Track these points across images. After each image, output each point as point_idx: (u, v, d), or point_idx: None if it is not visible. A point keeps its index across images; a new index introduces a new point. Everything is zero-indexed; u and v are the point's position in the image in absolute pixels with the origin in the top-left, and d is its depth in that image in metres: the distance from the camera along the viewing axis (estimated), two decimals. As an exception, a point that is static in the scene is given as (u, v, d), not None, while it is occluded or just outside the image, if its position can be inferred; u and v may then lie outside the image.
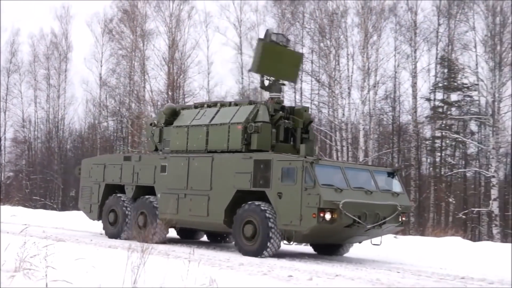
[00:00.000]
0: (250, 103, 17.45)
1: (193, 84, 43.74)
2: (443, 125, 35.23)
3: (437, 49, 36.14)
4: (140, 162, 18.96)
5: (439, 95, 37.06)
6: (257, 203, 15.46)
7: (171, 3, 43.30)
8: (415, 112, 35.99)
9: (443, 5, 35.38)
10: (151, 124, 19.68)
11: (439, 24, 35.70)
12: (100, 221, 20.15)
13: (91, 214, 20.48)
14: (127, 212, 18.84)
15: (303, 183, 14.66)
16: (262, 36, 18.26)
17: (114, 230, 19.17)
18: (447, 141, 36.47)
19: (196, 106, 18.84)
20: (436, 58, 36.37)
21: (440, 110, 36.55)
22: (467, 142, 35.34)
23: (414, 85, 36.07)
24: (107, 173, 19.87)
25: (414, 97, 36.20)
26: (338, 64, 36.33)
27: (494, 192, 30.60)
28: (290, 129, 17.32)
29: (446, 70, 36.36)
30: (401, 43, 36.58)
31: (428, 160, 38.04)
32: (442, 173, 35.95)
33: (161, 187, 18.06)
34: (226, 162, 16.54)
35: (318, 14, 37.44)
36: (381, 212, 15.13)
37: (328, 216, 14.28)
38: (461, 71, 34.32)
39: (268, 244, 15.14)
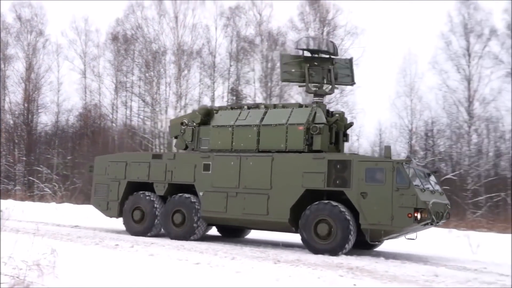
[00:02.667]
0: (300, 106, 13.73)
1: (46, 98, 40.72)
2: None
3: (229, 83, 37.09)
4: (175, 161, 14.22)
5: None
6: (334, 203, 11.95)
7: (29, 35, 40.53)
8: (213, 126, 36.62)
9: (233, 52, 36.45)
10: (182, 124, 14.89)
11: (230, 65, 36.72)
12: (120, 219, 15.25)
13: (108, 212, 15.23)
14: (156, 210, 14.41)
15: (393, 184, 11.39)
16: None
17: (141, 228, 14.50)
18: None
19: (232, 107, 14.56)
20: (228, 88, 37.29)
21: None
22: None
23: (212, 107, 36.74)
24: (130, 170, 14.86)
25: (212, 115, 36.79)
26: (159, 89, 36.01)
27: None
28: (336, 132, 13.81)
29: (234, 98, 37.34)
30: (204, 77, 37.07)
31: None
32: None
33: (203, 185, 13.65)
34: (291, 162, 12.62)
35: (145, 52, 36.92)
36: (442, 210, 12.35)
37: (419, 215, 11.22)
38: (244, 99, 35.51)
39: (347, 245, 11.78)
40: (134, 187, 15.00)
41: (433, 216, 11.54)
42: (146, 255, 10.29)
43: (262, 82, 33.83)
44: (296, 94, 33.46)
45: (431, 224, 11.94)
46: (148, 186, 14.81)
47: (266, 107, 13.93)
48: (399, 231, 11.70)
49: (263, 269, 9.14)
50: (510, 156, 28.82)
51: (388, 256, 12.19)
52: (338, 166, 12.02)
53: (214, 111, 14.55)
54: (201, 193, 13.69)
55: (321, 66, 14.50)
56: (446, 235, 16.99)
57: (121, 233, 14.95)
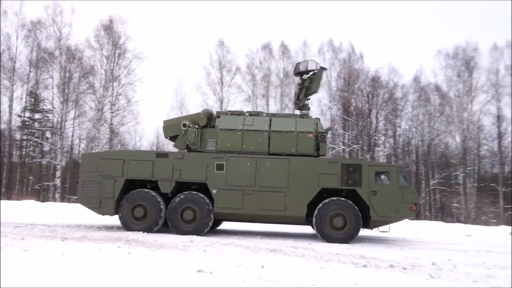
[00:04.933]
0: (297, 116, 12.29)
1: None
2: (28, 132, 31.66)
3: (28, 86, 32.35)
4: (184, 160, 11.46)
5: (28, 114, 33.20)
6: (350, 201, 11.10)
7: None
8: (11, 123, 31.42)
9: (33, 60, 31.89)
10: (183, 125, 12.07)
11: (30, 71, 32.08)
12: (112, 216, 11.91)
13: (101, 209, 11.47)
14: (161, 207, 11.36)
15: (398, 184, 11.04)
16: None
17: (143, 225, 11.31)
18: (31, 142, 32.94)
19: (232, 113, 12.22)
20: (27, 91, 32.51)
21: (27, 123, 32.76)
22: (43, 143, 32.52)
23: (10, 107, 31.44)
24: (129, 168, 11.48)
25: (10, 114, 31.48)
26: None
27: (58, 174, 28.86)
28: None
29: (33, 99, 32.79)
30: (3, 79, 31.50)
31: (17, 152, 33.54)
32: (26, 161, 32.27)
33: (217, 183, 11.30)
34: (307, 164, 11.27)
35: None
36: None
37: (414, 208, 11.06)
38: (42, 101, 31.57)
39: (357, 234, 11.09)
40: (127, 185, 11.77)
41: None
42: None
43: (59, 89, 30.42)
44: (90, 101, 31.18)
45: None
46: (144, 184, 11.87)
47: (267, 115, 12.33)
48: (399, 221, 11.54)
49: (51, 246, 8.20)
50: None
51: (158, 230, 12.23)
52: (350, 169, 11.27)
53: (216, 116, 12.45)
54: (214, 191, 11.41)
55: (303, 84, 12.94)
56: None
57: None
